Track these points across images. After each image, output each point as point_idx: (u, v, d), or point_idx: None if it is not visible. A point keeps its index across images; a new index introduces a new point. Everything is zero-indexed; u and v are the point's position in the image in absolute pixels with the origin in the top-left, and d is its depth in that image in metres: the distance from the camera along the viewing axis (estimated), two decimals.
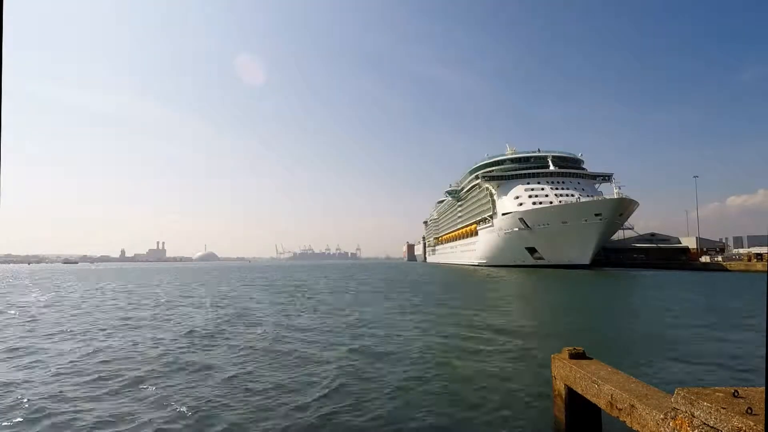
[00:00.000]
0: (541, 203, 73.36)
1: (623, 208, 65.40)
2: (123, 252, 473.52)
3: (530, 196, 76.33)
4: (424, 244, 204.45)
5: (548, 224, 69.20)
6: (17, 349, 12.74)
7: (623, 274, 55.44)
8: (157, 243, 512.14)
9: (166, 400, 7.94)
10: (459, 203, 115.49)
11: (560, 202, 71.85)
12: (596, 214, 63.94)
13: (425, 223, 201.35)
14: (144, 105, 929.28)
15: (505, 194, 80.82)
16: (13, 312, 22.17)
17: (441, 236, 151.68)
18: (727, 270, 61.78)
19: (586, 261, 67.47)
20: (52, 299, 29.54)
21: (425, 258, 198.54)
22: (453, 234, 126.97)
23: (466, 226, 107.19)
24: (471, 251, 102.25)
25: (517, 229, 74.90)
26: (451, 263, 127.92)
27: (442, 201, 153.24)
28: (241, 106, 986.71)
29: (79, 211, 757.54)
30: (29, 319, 19.24)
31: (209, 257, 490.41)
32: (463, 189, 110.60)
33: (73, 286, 43.71)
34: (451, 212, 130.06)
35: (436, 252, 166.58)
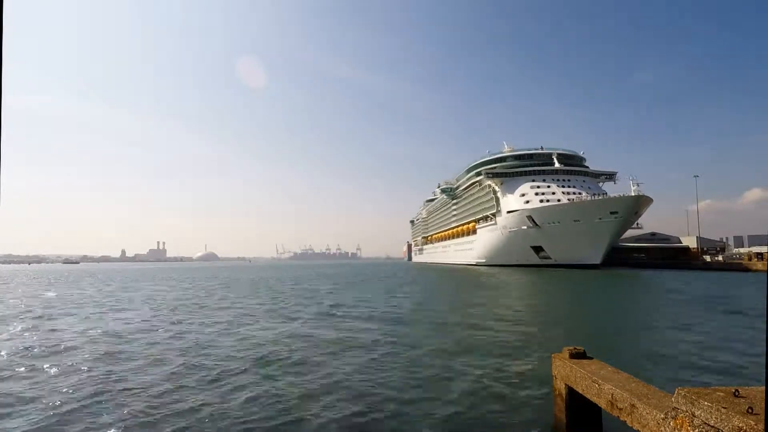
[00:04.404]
0: (548, 201, 72.27)
1: (640, 206, 64.48)
2: (123, 252, 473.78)
3: (536, 194, 75.11)
4: (410, 244, 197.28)
5: (559, 222, 67.79)
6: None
7: (634, 274, 54.46)
8: (158, 243, 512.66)
9: None
10: (454, 201, 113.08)
11: (569, 200, 70.67)
12: (612, 212, 62.66)
13: (412, 222, 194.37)
14: (144, 107, 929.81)
15: (510, 191, 79.53)
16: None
17: (431, 235, 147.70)
18: (730, 270, 61.54)
19: (597, 260, 65.98)
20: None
21: (410, 257, 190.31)
22: (445, 233, 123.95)
23: (463, 224, 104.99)
24: (468, 250, 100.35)
25: (525, 227, 73.33)
26: (442, 263, 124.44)
27: (432, 199, 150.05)
28: (241, 107, 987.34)
29: (79, 212, 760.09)
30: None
31: (210, 257, 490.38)
32: (459, 187, 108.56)
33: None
34: (443, 211, 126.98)
35: (424, 251, 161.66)
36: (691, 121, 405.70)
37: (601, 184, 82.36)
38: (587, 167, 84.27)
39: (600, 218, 63.32)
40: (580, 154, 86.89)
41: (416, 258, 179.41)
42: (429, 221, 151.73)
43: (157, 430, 6.56)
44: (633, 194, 61.96)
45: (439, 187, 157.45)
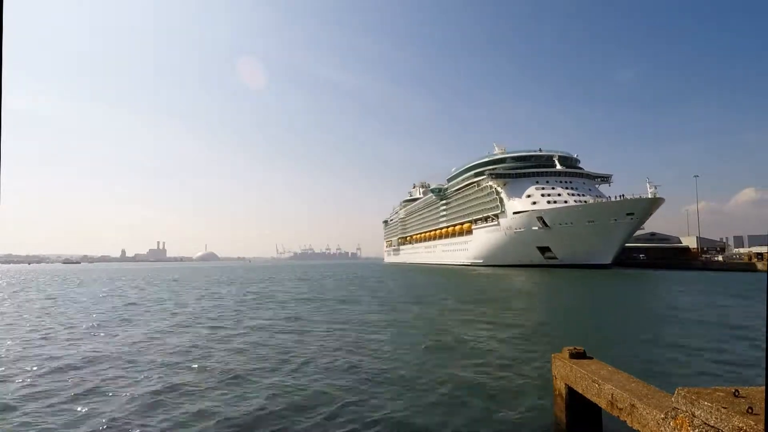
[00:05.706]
0: (555, 202, 72.80)
1: (655, 207, 65.13)
2: (123, 252, 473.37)
3: (543, 195, 75.53)
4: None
5: (572, 223, 67.74)
6: None
7: (643, 273, 53.69)
8: (158, 243, 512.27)
9: None
10: (443, 202, 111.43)
11: (575, 201, 71.42)
12: (628, 214, 63.17)
13: (385, 222, 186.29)
14: (144, 107, 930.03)
15: (514, 192, 79.51)
16: None
17: (410, 236, 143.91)
18: (731, 270, 61.42)
19: (608, 261, 66.28)
20: None
21: (384, 258, 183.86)
22: (430, 233, 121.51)
23: (456, 224, 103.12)
24: (461, 250, 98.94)
25: (535, 228, 72.90)
26: (426, 263, 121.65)
27: (411, 200, 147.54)
28: (242, 108, 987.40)
29: (79, 212, 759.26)
30: None
31: (209, 257, 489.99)
32: (449, 188, 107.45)
33: None
34: (428, 211, 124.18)
35: (401, 252, 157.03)
36: (689, 122, 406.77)
37: (597, 186, 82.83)
38: (582, 168, 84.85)
39: (615, 219, 63.73)
40: (575, 156, 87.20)
41: (390, 259, 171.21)
42: (408, 221, 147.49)
43: None
44: (650, 196, 62.39)
45: (415, 187, 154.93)
